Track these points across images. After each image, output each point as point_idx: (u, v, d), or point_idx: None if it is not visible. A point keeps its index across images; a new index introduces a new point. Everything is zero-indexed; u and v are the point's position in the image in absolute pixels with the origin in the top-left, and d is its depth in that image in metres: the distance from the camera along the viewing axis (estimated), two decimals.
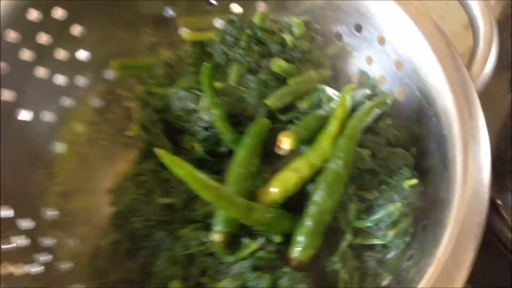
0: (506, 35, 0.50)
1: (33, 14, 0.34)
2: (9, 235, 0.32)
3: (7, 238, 0.32)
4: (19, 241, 0.33)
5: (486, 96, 0.49)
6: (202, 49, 0.42)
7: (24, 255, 0.32)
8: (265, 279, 0.32)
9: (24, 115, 0.36)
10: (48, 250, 0.35)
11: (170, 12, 0.42)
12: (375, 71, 0.40)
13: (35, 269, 0.33)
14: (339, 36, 0.41)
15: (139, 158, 0.40)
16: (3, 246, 0.31)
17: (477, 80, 0.34)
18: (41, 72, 0.36)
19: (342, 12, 0.39)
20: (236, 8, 0.42)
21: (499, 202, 0.46)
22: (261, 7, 0.42)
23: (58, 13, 0.36)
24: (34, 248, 0.34)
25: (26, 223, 0.34)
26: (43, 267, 0.34)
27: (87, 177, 0.40)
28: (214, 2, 0.41)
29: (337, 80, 0.41)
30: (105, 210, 0.39)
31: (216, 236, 0.33)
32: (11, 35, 0.33)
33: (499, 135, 0.50)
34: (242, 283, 0.33)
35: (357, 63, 0.41)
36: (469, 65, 0.34)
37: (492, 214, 0.47)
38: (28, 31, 0.34)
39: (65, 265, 0.36)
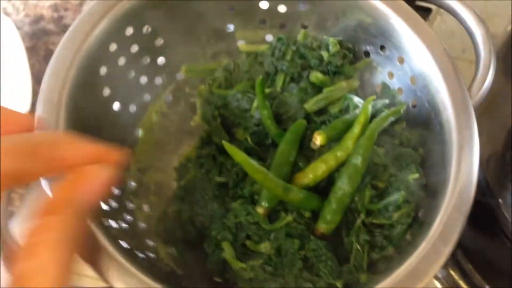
0: None
1: (130, 31, 0.42)
2: (107, 199, 0.39)
3: (107, 201, 0.39)
4: (113, 204, 0.40)
5: (493, 103, 0.54)
6: (255, 59, 0.48)
7: (117, 214, 0.40)
8: (296, 244, 0.39)
9: (117, 106, 0.44)
10: (130, 212, 0.42)
11: (230, 27, 0.49)
12: (395, 84, 0.46)
13: (124, 225, 0.40)
14: (367, 54, 0.47)
15: (200, 144, 0.48)
16: (104, 207, 0.38)
17: (475, 98, 0.40)
18: (131, 74, 0.44)
19: (370, 35, 0.45)
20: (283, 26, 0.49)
21: (500, 201, 0.52)
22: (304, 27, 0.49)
23: (147, 29, 0.43)
24: (122, 210, 0.41)
25: (116, 191, 0.42)
26: (127, 225, 0.41)
27: (159, 157, 0.47)
28: (266, 21, 0.49)
29: (363, 89, 0.48)
30: (171, 184, 0.47)
31: (260, 209, 0.41)
32: (113, 47, 0.41)
33: (504, 139, 0.55)
34: (278, 246, 0.40)
35: (380, 77, 0.47)
36: (469, 85, 0.41)
37: (498, 210, 0.54)
38: (125, 43, 0.42)
39: (142, 225, 0.43)
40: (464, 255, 0.57)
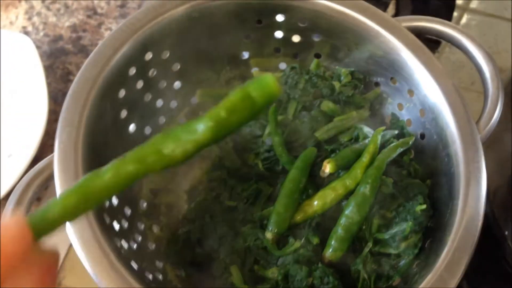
0: None
1: (149, 56, 0.43)
2: (120, 218, 0.40)
3: (119, 221, 0.40)
4: (125, 224, 0.41)
5: (500, 135, 0.54)
6: None
7: (128, 234, 0.41)
8: (303, 270, 0.40)
9: (133, 128, 0.45)
10: (141, 233, 0.43)
11: (245, 54, 0.50)
12: (404, 115, 0.47)
13: (134, 246, 0.41)
14: (377, 85, 0.48)
15: (211, 168, 0.48)
16: (116, 226, 0.39)
17: (483, 132, 0.41)
18: (148, 97, 0.46)
19: (381, 67, 0.46)
20: (296, 55, 0.50)
21: (507, 233, 0.52)
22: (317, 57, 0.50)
23: (165, 54, 0.45)
24: (133, 230, 0.42)
25: (127, 211, 0.43)
26: (138, 246, 0.41)
27: (171, 179, 0.48)
28: (280, 50, 0.50)
29: (373, 119, 0.49)
30: (182, 206, 0.47)
31: (269, 235, 0.41)
32: (133, 71, 0.42)
33: (510, 171, 0.56)
34: (285, 272, 0.40)
35: (390, 108, 0.48)
36: (478, 120, 0.42)
37: (504, 242, 0.54)
38: (144, 67, 0.44)
39: (152, 246, 0.44)
40: (469, 286, 0.57)
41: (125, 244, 0.39)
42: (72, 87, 0.39)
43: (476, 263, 0.54)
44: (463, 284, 0.56)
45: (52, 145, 0.38)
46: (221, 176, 0.47)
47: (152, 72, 0.45)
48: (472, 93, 0.68)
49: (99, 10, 0.72)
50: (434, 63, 0.43)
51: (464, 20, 0.76)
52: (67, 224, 0.28)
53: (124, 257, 0.36)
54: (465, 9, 0.77)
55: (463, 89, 0.68)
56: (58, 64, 0.68)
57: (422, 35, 0.46)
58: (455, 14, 0.75)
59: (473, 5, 0.77)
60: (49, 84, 0.64)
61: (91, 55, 0.40)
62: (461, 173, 0.39)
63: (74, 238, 0.34)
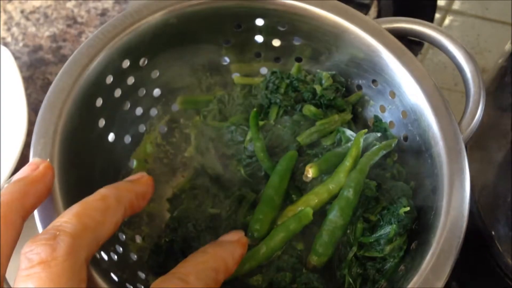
0: (509, 79, 0.57)
1: (126, 63, 0.43)
2: None
3: None
4: None
5: (485, 135, 0.54)
6: (249, 92, 0.49)
7: (109, 246, 0.40)
8: (287, 277, 0.39)
9: (112, 137, 0.44)
10: (122, 244, 0.43)
11: (226, 60, 0.50)
12: (387, 118, 0.46)
13: (115, 257, 0.40)
14: (359, 87, 0.48)
15: (193, 175, 0.48)
16: None
17: (465, 132, 0.41)
18: (127, 105, 0.45)
19: (362, 69, 0.46)
20: (278, 59, 0.50)
21: (493, 233, 0.52)
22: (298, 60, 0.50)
23: (143, 62, 0.44)
24: (114, 241, 0.41)
25: None
26: (119, 257, 0.41)
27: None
28: (261, 54, 0.50)
29: (356, 122, 0.48)
30: (165, 215, 0.47)
31: (249, 240, 0.39)
32: (110, 79, 0.42)
33: (496, 171, 0.56)
34: (270, 279, 0.40)
35: (373, 110, 0.48)
36: (460, 120, 0.42)
37: (492, 243, 0.54)
38: (121, 75, 0.43)
39: (134, 257, 0.43)
40: (459, 286, 0.57)
41: (105, 256, 0.38)
42: (47, 98, 0.38)
43: (465, 263, 0.54)
44: (452, 285, 0.56)
45: None
46: (204, 184, 0.47)
47: (130, 80, 0.44)
48: (456, 93, 0.68)
49: (79, 19, 0.71)
50: (415, 64, 0.43)
51: (447, 21, 0.76)
52: None
53: (103, 270, 0.35)
54: (447, 10, 0.77)
55: (446, 90, 0.68)
56: (38, 75, 0.67)
57: (404, 36, 0.46)
58: (438, 15, 0.75)
59: (456, 6, 0.77)
60: (29, 95, 0.64)
61: (66, 64, 0.40)
62: (445, 174, 0.39)
63: None
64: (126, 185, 0.32)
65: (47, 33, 0.70)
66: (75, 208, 0.27)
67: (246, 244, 0.33)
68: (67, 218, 0.26)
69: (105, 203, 0.28)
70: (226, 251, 0.31)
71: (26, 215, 0.28)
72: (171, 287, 0.27)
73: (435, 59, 0.72)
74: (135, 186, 0.32)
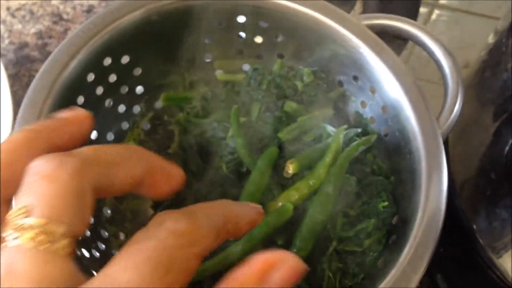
0: (489, 74, 0.57)
1: (108, 61, 0.43)
2: None
3: None
4: (86, 233, 0.40)
5: (467, 129, 0.55)
6: (232, 88, 0.50)
7: (90, 243, 0.40)
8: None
9: (94, 135, 0.44)
10: (105, 241, 0.43)
11: (208, 57, 0.50)
12: (367, 113, 0.47)
13: (97, 254, 0.40)
14: (340, 84, 0.48)
15: None
16: None
17: (443, 127, 0.42)
18: (109, 103, 0.45)
19: (343, 66, 0.46)
20: (260, 56, 0.50)
21: (475, 227, 0.54)
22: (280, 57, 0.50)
23: (125, 59, 0.44)
24: (96, 238, 0.41)
25: (91, 218, 0.43)
26: (101, 254, 0.41)
27: None
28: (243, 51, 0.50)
29: (338, 118, 0.49)
30: (148, 212, 0.47)
31: None
32: (91, 77, 0.42)
33: (477, 165, 0.56)
34: None
35: (354, 106, 0.48)
36: (438, 116, 0.42)
37: (473, 236, 0.54)
38: (102, 73, 0.43)
39: (116, 253, 0.44)
40: (444, 279, 0.57)
41: (86, 253, 0.38)
42: (27, 96, 0.38)
43: (450, 256, 0.55)
44: (438, 277, 0.57)
45: None
46: (187, 180, 0.46)
47: (112, 78, 0.44)
48: (440, 87, 0.68)
49: (65, 16, 0.71)
50: (395, 60, 0.43)
51: (434, 16, 0.77)
52: None
53: (84, 267, 0.35)
54: (434, 5, 0.78)
55: (431, 83, 0.68)
56: (24, 72, 0.67)
57: (385, 32, 0.46)
58: (425, 10, 0.76)
59: (443, 0, 0.78)
60: (15, 93, 0.64)
61: (46, 62, 0.40)
62: (423, 169, 0.39)
63: None
64: (156, 155, 0.29)
65: (33, 30, 0.70)
66: (93, 145, 0.25)
67: (262, 215, 0.30)
68: (83, 148, 0.24)
69: (127, 151, 0.26)
70: (239, 208, 0.28)
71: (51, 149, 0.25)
72: (175, 217, 0.23)
73: (420, 54, 0.72)
74: (164, 161, 0.28)
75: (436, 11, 0.77)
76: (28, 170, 0.23)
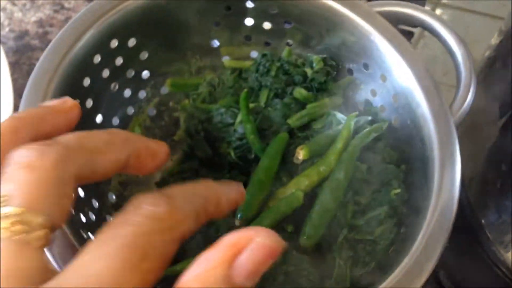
0: (495, 70, 0.57)
1: (114, 43, 0.42)
2: (88, 211, 0.39)
3: (87, 213, 0.39)
4: (92, 217, 0.40)
5: (474, 124, 0.55)
6: (240, 75, 0.49)
7: (96, 227, 0.40)
8: (278, 258, 0.40)
9: (99, 119, 0.43)
10: None
11: (215, 43, 0.49)
12: (377, 102, 0.46)
13: None
14: (350, 71, 0.47)
15: (182, 158, 0.47)
16: (84, 219, 0.38)
17: (456, 115, 0.41)
18: (115, 87, 0.44)
19: (353, 53, 0.46)
20: (268, 43, 0.49)
21: (483, 221, 0.53)
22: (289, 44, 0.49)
23: (132, 42, 0.44)
24: (101, 223, 0.41)
25: (95, 203, 0.41)
26: None
27: None
28: (251, 38, 0.49)
29: (347, 106, 0.48)
30: None
31: (237, 222, 0.40)
32: (98, 59, 0.41)
33: (485, 160, 0.56)
34: None
35: (364, 94, 0.47)
36: (451, 104, 0.42)
37: (481, 231, 0.54)
38: (109, 55, 0.42)
39: None
40: (447, 275, 0.57)
41: (92, 237, 0.37)
42: (31, 78, 0.37)
43: (453, 252, 0.54)
44: (440, 273, 0.56)
45: None
46: (193, 167, 0.46)
47: (118, 61, 0.44)
48: (444, 86, 0.68)
49: (66, 5, 0.70)
50: (406, 47, 0.43)
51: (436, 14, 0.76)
52: None
53: None
54: (437, 3, 0.78)
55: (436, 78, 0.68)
56: (25, 60, 0.66)
57: (395, 21, 0.46)
58: (427, 8, 0.76)
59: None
60: (15, 81, 0.63)
61: (51, 43, 0.39)
62: (436, 157, 0.38)
63: None
64: (139, 136, 0.29)
65: (33, 19, 0.69)
66: (77, 132, 0.25)
67: (244, 194, 0.29)
68: (67, 135, 0.24)
69: (110, 137, 0.26)
70: (220, 187, 0.27)
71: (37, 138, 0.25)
72: (152, 201, 0.22)
73: (425, 51, 0.72)
74: (148, 140, 0.29)
75: (439, 9, 0.77)
76: (10, 159, 0.22)
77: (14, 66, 0.65)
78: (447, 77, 0.68)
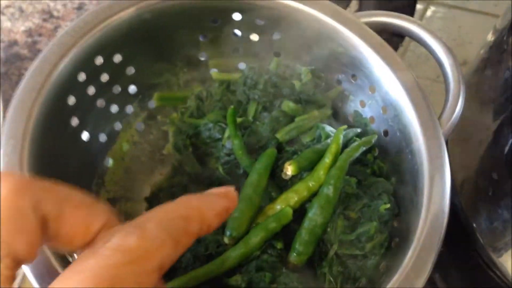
0: (489, 72, 0.57)
1: (100, 60, 0.41)
2: None
3: None
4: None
5: (466, 129, 0.54)
6: (228, 88, 0.48)
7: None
8: (267, 277, 0.38)
9: (86, 136, 0.43)
10: None
11: (203, 55, 0.49)
12: (367, 113, 0.46)
13: None
14: (339, 82, 0.47)
15: (172, 173, 0.47)
16: None
17: (445, 127, 0.41)
18: (101, 103, 0.44)
19: (342, 64, 0.45)
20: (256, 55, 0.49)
21: (475, 226, 0.53)
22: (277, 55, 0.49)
23: (117, 58, 0.43)
24: None
25: None
26: None
27: (130, 186, 0.46)
28: (239, 49, 0.49)
29: (336, 117, 0.48)
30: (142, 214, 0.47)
31: (226, 239, 0.40)
32: (82, 77, 0.40)
33: (477, 165, 0.56)
34: (249, 278, 0.39)
35: (353, 105, 0.47)
36: (440, 115, 0.41)
37: (473, 235, 0.54)
38: (94, 72, 0.42)
39: None
40: (442, 278, 0.57)
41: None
42: (16, 97, 0.37)
43: (448, 256, 0.54)
44: (436, 276, 0.56)
45: None
46: (182, 182, 0.46)
47: (104, 77, 0.43)
48: (438, 84, 0.67)
49: (55, 13, 0.70)
50: (394, 58, 0.42)
51: (429, 12, 0.76)
52: None
53: None
54: (429, 2, 0.77)
55: (429, 81, 0.68)
56: (14, 70, 0.65)
57: (384, 30, 0.45)
58: (420, 6, 0.75)
59: None
60: (5, 92, 0.62)
61: (36, 62, 0.38)
62: (425, 169, 0.38)
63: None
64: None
65: (22, 28, 0.69)
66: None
67: (235, 198, 0.28)
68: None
69: (90, 201, 0.25)
70: (203, 201, 0.27)
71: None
72: (123, 233, 0.22)
73: (417, 51, 0.71)
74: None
75: (432, 8, 0.77)
76: None
77: (4, 77, 0.65)
78: (441, 77, 0.68)
